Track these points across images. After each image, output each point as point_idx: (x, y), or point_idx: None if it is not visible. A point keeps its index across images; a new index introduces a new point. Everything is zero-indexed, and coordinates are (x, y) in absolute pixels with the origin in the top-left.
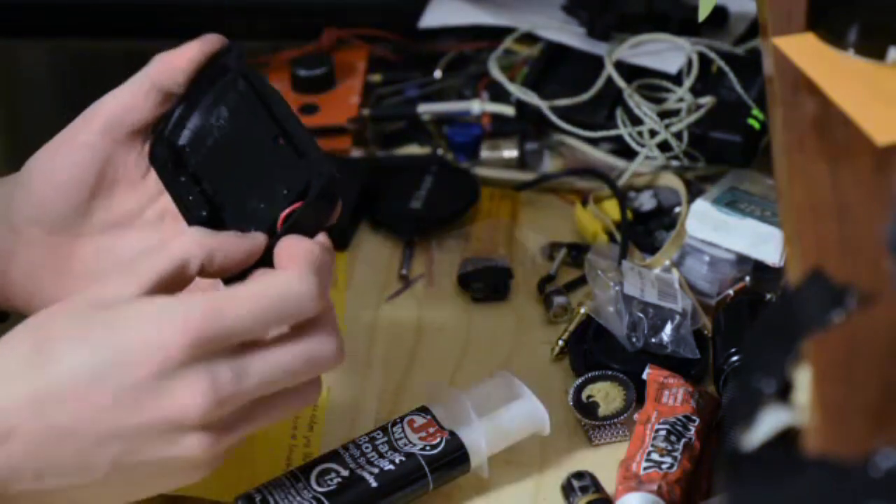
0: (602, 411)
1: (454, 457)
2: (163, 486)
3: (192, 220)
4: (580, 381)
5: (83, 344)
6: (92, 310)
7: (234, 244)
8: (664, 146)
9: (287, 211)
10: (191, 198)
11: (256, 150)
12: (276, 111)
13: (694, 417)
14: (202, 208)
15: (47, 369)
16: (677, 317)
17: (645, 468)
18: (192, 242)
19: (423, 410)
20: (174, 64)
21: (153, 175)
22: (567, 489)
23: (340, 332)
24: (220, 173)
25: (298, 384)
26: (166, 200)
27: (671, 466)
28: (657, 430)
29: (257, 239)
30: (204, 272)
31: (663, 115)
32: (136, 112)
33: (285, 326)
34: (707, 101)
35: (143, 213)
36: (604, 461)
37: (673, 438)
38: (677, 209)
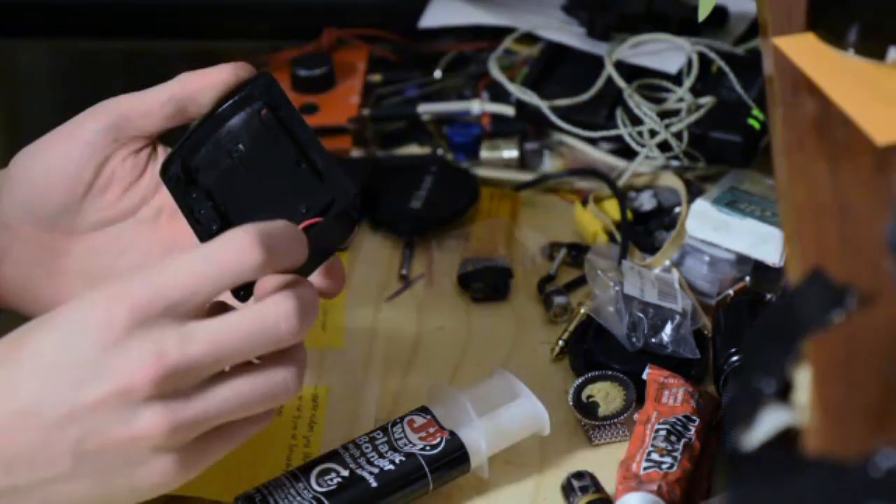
0: (602, 411)
1: (454, 457)
2: (137, 486)
3: (203, 234)
4: (580, 381)
5: (50, 326)
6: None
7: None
8: (664, 146)
9: (305, 224)
10: (202, 211)
11: (275, 173)
12: (300, 138)
13: (694, 417)
14: (213, 222)
15: (21, 352)
16: (677, 317)
17: (645, 468)
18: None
19: (423, 410)
20: (197, 85)
21: (148, 176)
22: (567, 489)
23: (303, 298)
24: (235, 193)
25: (266, 371)
26: (161, 201)
27: (671, 466)
28: (657, 430)
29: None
30: None
31: (663, 115)
32: (146, 119)
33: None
34: (707, 101)
35: (138, 212)
36: (604, 461)
37: (673, 438)
38: (677, 209)
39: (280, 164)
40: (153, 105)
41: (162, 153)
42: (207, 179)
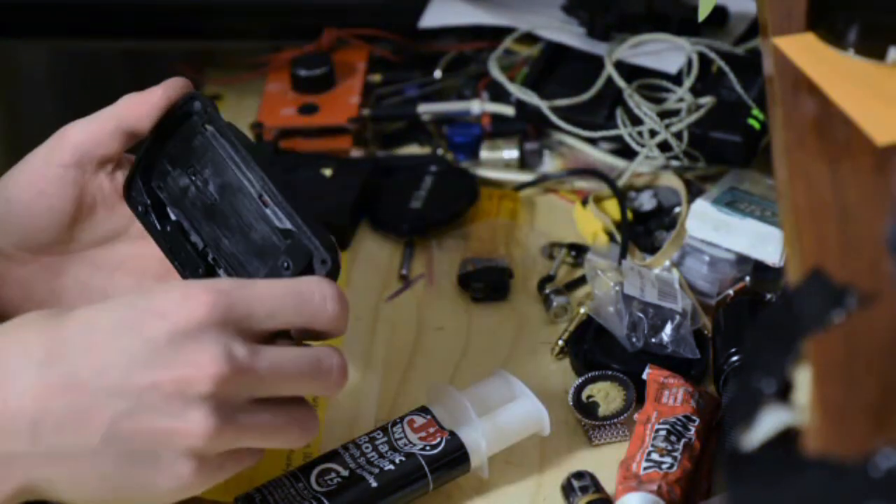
0: (602, 411)
1: (454, 457)
2: (151, 485)
3: (185, 273)
4: (580, 381)
5: (104, 308)
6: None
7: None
8: (664, 146)
9: None
10: (183, 254)
11: (242, 207)
12: (246, 168)
13: (694, 417)
14: (198, 266)
15: (66, 324)
16: (677, 317)
17: (645, 468)
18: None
19: (423, 410)
20: (138, 109)
21: None
22: (567, 489)
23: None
24: (209, 228)
25: (300, 413)
26: None
27: (671, 466)
28: (657, 430)
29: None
30: None
31: (663, 115)
32: (102, 147)
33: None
34: (707, 101)
35: (129, 228)
36: (604, 461)
37: (673, 438)
38: (677, 209)
39: (244, 197)
40: (103, 134)
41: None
42: (176, 211)
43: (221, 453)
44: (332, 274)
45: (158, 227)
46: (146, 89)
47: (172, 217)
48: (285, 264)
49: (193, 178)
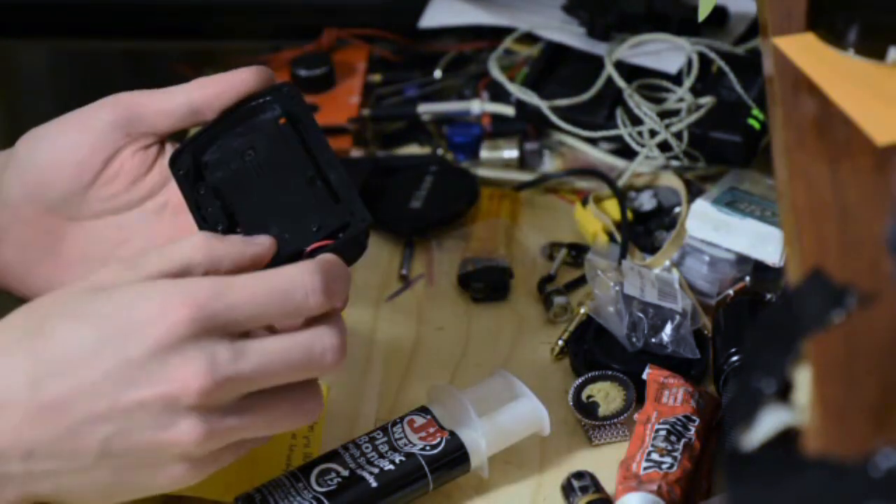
0: (602, 411)
1: (454, 457)
2: (149, 484)
3: (206, 231)
4: (580, 381)
5: (84, 321)
6: (92, 292)
7: (240, 250)
8: (664, 146)
9: (314, 246)
10: (210, 209)
11: (288, 185)
12: (318, 156)
13: (694, 417)
14: (220, 222)
15: (46, 345)
16: (677, 317)
17: (645, 468)
18: (198, 248)
19: (423, 410)
20: (215, 90)
21: (156, 172)
22: (567, 489)
23: (345, 333)
24: (244, 196)
25: (297, 396)
26: (166, 197)
27: (671, 466)
28: (657, 430)
29: (264, 244)
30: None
31: (663, 115)
32: (161, 118)
33: (287, 322)
34: (707, 101)
35: (142, 205)
36: (604, 461)
37: (673, 438)
38: (677, 209)
39: (293, 177)
40: (169, 106)
41: (170, 150)
42: (217, 177)
43: (216, 449)
44: (358, 240)
45: (193, 187)
46: (223, 73)
47: (210, 181)
48: (315, 227)
49: (247, 154)
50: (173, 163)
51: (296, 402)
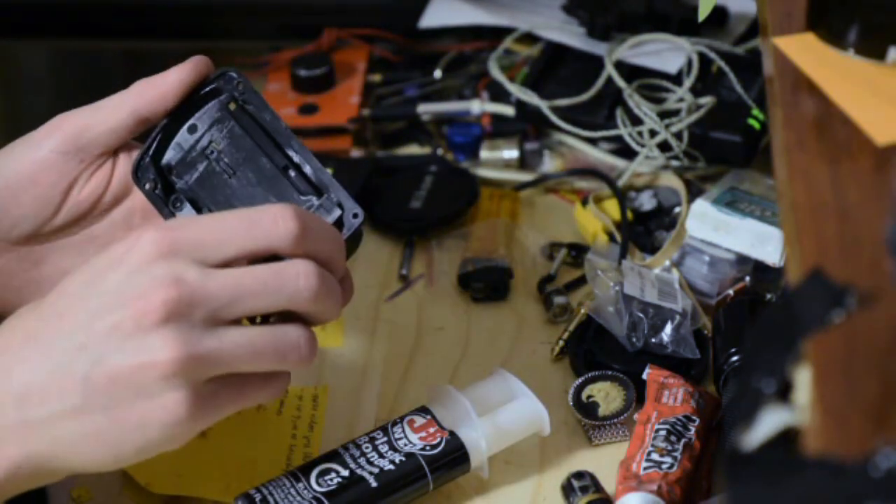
0: (602, 411)
1: (454, 457)
2: (148, 422)
3: None
4: (580, 381)
5: (76, 270)
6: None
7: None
8: (664, 146)
9: None
10: None
11: (262, 178)
12: (280, 140)
13: (694, 417)
14: None
15: (47, 298)
16: (677, 317)
17: (645, 468)
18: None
19: (423, 410)
20: (156, 92)
21: (116, 180)
22: (567, 489)
23: (314, 333)
24: (220, 197)
25: (278, 330)
26: (133, 203)
27: (671, 466)
28: (657, 430)
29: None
30: None
31: (663, 115)
32: (109, 136)
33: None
34: (707, 101)
35: (110, 213)
36: (604, 461)
37: (673, 438)
38: (677, 209)
39: (264, 170)
40: (115, 122)
41: (124, 155)
42: (186, 183)
43: (209, 382)
44: (358, 233)
45: (164, 200)
46: (160, 73)
47: (178, 188)
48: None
49: (210, 151)
50: (137, 177)
51: (278, 331)
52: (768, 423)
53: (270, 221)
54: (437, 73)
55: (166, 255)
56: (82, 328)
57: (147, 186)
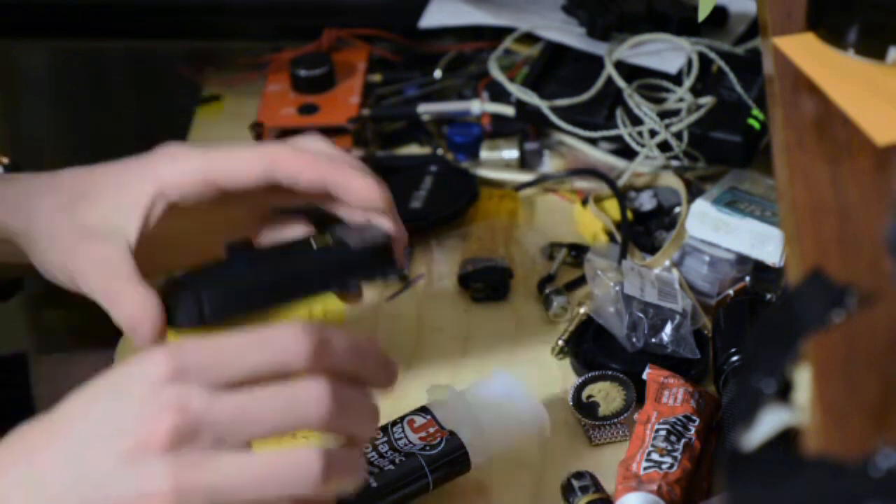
0: (602, 411)
1: (454, 457)
2: None
3: None
4: (580, 381)
5: (79, 393)
6: None
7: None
8: (664, 146)
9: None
10: None
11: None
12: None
13: (694, 417)
14: None
15: (45, 416)
16: (677, 317)
17: (645, 468)
18: None
19: (423, 410)
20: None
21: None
22: (567, 489)
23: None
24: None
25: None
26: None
27: (671, 466)
28: (657, 430)
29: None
30: None
31: (663, 115)
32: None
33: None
34: (707, 101)
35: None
36: (604, 461)
37: (673, 438)
38: (677, 209)
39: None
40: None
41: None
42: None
43: None
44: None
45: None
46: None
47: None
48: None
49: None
50: (174, 322)
51: (287, 456)
52: (768, 423)
53: (284, 341)
54: (437, 73)
55: (173, 379)
56: (82, 454)
57: (186, 325)
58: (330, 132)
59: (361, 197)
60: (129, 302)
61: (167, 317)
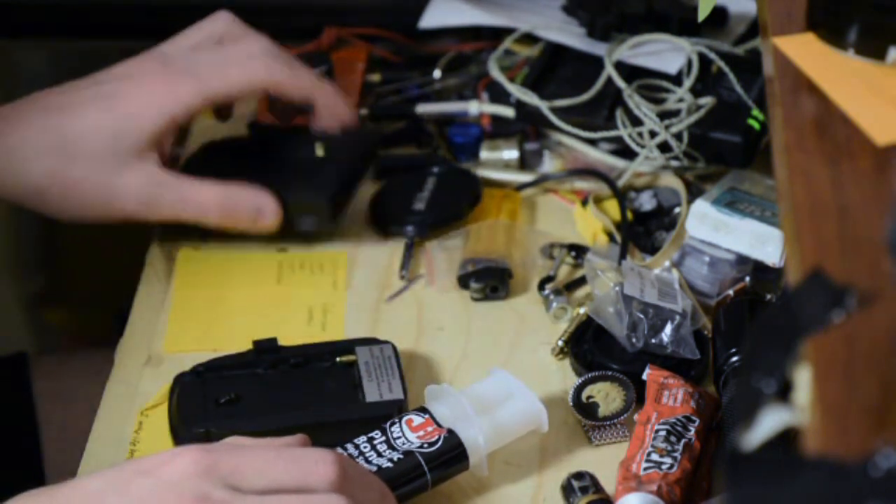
0: (602, 411)
1: (452, 454)
2: None
3: None
4: (580, 381)
5: (96, 472)
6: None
7: None
8: (664, 146)
9: None
10: None
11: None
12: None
13: (694, 418)
14: None
15: (63, 490)
16: (677, 317)
17: (645, 468)
18: None
19: (421, 410)
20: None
21: None
22: (567, 489)
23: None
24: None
25: None
26: None
27: (671, 467)
28: (657, 431)
29: None
30: None
31: (663, 115)
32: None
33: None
34: (707, 101)
35: None
36: (604, 461)
37: (673, 439)
38: (677, 209)
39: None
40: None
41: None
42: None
43: None
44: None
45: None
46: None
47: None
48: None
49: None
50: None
51: None
52: (768, 423)
53: (311, 463)
54: (437, 74)
55: (201, 475)
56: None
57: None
58: None
59: (342, 118)
60: (195, 194)
61: None
